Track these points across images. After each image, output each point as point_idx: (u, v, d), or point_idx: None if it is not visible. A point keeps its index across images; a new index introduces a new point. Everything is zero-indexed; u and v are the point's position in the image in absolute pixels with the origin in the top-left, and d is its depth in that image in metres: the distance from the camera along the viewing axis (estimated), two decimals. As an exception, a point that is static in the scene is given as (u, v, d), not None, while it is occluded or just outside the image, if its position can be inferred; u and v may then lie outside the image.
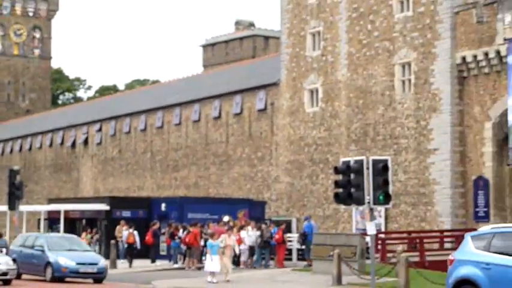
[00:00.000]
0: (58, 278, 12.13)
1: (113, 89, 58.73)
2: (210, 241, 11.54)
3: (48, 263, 12.18)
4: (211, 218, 16.77)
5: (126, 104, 33.94)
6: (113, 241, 16.25)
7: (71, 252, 12.64)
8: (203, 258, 13.61)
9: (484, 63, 16.44)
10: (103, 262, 12.84)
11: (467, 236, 6.74)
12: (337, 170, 8.52)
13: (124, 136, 31.19)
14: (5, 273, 11.33)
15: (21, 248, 13.44)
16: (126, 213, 18.52)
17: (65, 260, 12.00)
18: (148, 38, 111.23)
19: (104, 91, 57.99)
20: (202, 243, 14.32)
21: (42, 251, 12.55)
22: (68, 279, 12.40)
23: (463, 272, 6.17)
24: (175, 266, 15.60)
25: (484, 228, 7.39)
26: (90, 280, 12.42)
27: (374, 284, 8.04)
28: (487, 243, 6.11)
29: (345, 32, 20.33)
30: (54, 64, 57.67)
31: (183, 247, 15.31)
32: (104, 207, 19.20)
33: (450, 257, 6.74)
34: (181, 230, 15.51)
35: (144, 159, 29.79)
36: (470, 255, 6.25)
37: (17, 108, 50.78)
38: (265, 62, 28.65)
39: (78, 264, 12.03)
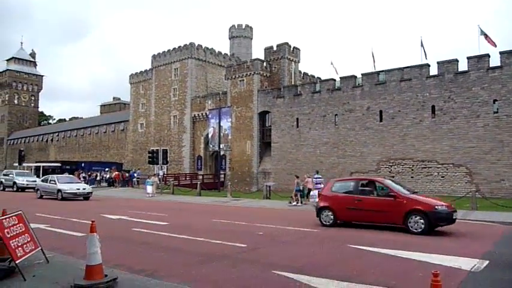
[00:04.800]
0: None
1: None
2: (148, 179, 31.02)
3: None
4: (102, 169, 45.70)
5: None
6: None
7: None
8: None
9: (201, 118, 49.29)
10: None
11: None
12: (150, 151, 38.94)
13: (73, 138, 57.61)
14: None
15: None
16: (67, 167, 45.52)
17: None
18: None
19: None
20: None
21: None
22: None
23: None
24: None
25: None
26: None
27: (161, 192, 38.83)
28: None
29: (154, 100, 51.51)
30: None
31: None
32: (58, 164, 46.19)
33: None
34: (95, 174, 43.85)
35: (76, 145, 57.09)
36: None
37: None
38: None
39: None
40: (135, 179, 40.39)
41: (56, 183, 24.63)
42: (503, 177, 26.27)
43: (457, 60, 28.78)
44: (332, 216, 13.54)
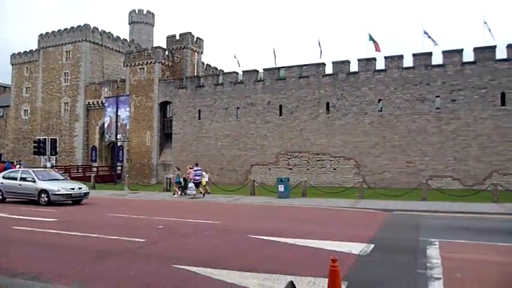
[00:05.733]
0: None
1: None
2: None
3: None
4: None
5: None
6: None
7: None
8: None
9: (97, 106, 46.05)
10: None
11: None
12: (36, 141, 35.10)
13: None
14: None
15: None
16: None
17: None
18: None
19: None
20: None
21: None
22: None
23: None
24: None
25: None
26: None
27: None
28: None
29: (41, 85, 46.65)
30: None
31: None
32: None
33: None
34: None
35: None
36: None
37: None
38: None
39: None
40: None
41: (35, 181, 18.11)
42: (385, 169, 29.22)
43: (349, 62, 31.10)
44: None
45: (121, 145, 40.41)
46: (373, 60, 30.39)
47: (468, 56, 27.88)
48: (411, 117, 28.86)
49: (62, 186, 18.08)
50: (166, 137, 39.47)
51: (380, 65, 30.20)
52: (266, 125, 33.45)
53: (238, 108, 34.78)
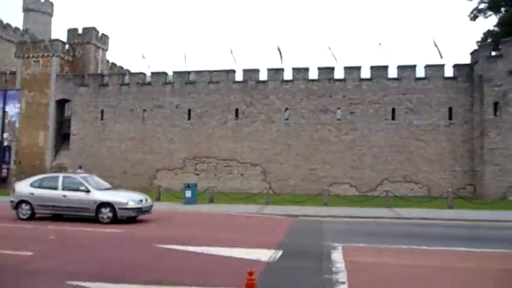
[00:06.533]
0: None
1: None
2: None
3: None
4: None
5: None
6: None
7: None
8: None
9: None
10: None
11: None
12: None
13: None
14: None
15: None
16: None
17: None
18: None
19: None
20: None
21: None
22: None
23: None
24: None
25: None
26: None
27: None
28: None
29: None
30: None
31: None
32: None
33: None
34: None
35: None
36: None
37: None
38: None
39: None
40: None
41: (88, 191, 13.87)
42: (289, 176, 30.30)
43: (258, 70, 31.78)
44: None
45: (8, 145, 36.13)
46: (281, 70, 31.45)
47: (366, 73, 30.32)
48: (315, 126, 30.40)
49: (130, 198, 14.06)
50: (63, 137, 36.25)
51: (288, 75, 31.39)
52: (174, 128, 32.60)
53: (144, 110, 33.37)
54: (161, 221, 14.62)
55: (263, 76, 31.72)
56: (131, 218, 13.95)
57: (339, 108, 30.31)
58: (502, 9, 36.30)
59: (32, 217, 14.30)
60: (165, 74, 33.76)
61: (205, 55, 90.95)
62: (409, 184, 28.71)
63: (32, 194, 14.27)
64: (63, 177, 14.59)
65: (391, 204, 19.87)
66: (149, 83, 33.65)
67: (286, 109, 31.00)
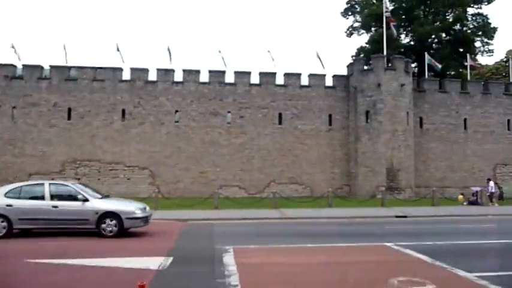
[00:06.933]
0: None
1: None
2: None
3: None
4: None
5: None
6: None
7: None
8: None
9: None
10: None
11: None
12: None
13: None
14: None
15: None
16: None
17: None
18: None
19: None
20: None
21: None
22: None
23: None
24: None
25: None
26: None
27: None
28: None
29: None
30: None
31: None
32: None
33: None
34: None
35: None
36: None
37: None
38: None
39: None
40: None
41: (87, 200, 11.81)
42: (179, 179, 29.70)
43: (147, 70, 30.59)
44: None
45: None
46: (171, 71, 30.71)
47: (255, 79, 31.27)
48: (205, 129, 30.33)
49: (137, 206, 12.45)
50: None
51: (178, 77, 30.79)
52: (51, 129, 29.50)
53: (14, 107, 29.58)
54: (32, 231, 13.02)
55: (152, 76, 30.64)
56: (143, 226, 12.63)
57: (229, 111, 30.73)
58: (373, 28, 40.87)
59: (9, 233, 11.66)
60: (41, 67, 30.42)
61: (89, 51, 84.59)
62: (293, 185, 30.38)
63: (10, 205, 11.67)
64: (50, 184, 12.33)
65: (278, 205, 20.73)
66: (21, 77, 29.97)
67: (177, 111, 30.38)
